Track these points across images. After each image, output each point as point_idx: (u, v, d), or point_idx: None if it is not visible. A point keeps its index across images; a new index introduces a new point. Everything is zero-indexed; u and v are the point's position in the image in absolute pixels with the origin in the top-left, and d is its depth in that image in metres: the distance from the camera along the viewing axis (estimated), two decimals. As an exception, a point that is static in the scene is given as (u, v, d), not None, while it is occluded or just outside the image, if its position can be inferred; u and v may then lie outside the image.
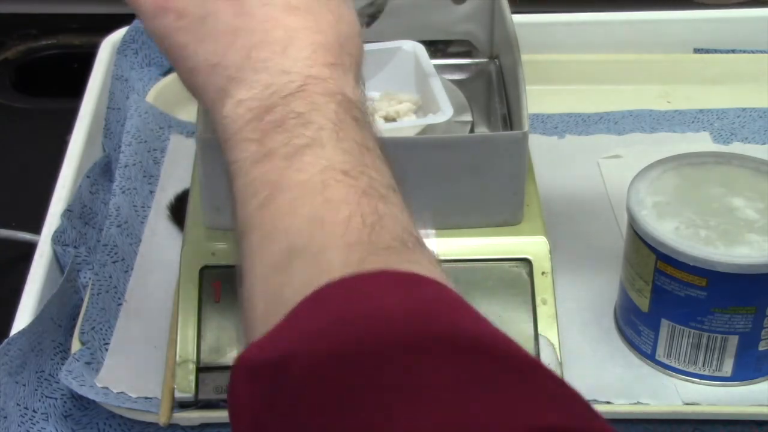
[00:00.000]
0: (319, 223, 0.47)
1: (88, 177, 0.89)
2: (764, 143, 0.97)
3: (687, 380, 0.76)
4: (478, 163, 0.73)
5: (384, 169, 0.50)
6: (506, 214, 0.76)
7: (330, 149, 0.49)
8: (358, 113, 0.52)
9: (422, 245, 0.49)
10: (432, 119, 0.77)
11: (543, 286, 0.75)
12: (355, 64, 0.55)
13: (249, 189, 0.50)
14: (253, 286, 0.49)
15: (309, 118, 0.50)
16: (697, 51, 1.06)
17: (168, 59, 0.57)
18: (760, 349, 0.74)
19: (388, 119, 0.79)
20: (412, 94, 0.81)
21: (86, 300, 0.80)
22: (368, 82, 0.83)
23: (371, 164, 0.49)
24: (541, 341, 0.73)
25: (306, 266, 0.46)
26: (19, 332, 0.75)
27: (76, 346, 0.77)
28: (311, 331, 0.43)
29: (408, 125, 0.78)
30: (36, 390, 0.75)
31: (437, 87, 0.78)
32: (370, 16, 0.79)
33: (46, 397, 0.75)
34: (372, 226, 0.47)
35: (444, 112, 0.76)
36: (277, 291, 0.47)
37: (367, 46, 0.84)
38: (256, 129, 0.51)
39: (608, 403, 0.73)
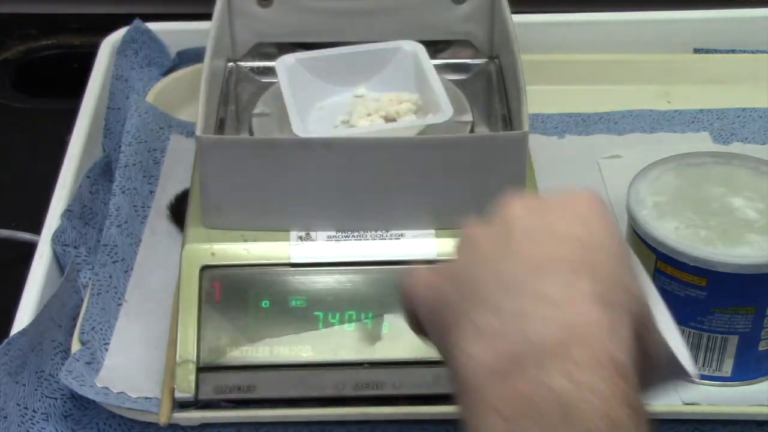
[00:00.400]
0: None
1: (88, 177, 0.89)
2: (764, 143, 0.97)
3: (687, 380, 0.76)
4: (478, 163, 0.73)
5: None
6: (506, 214, 0.76)
7: None
8: (632, 395, 0.42)
9: None
10: (432, 119, 0.77)
11: (543, 286, 0.74)
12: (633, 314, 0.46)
13: None
14: None
15: (568, 410, 0.40)
16: (697, 51, 1.06)
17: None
18: (760, 349, 0.74)
19: (388, 119, 0.79)
20: (412, 94, 0.81)
21: (86, 300, 0.80)
22: (368, 82, 0.84)
23: None
24: (541, 341, 0.73)
25: None
26: (19, 332, 0.75)
27: (76, 346, 0.77)
28: None
29: (408, 125, 0.78)
30: (36, 390, 0.75)
31: (437, 87, 0.78)
32: None
33: (46, 397, 0.75)
34: None
35: (444, 112, 0.76)
36: None
37: (367, 46, 0.85)
38: (500, 398, 0.43)
39: (608, 403, 0.73)
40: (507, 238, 0.49)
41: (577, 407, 0.40)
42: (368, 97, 0.83)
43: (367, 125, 0.79)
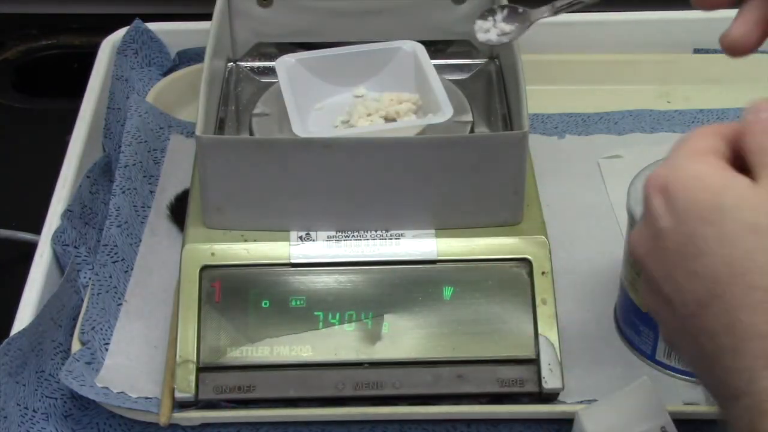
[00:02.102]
0: None
1: (88, 177, 0.89)
2: (764, 143, 0.97)
3: (687, 380, 0.76)
4: (478, 163, 0.73)
5: None
6: (506, 214, 0.76)
7: None
8: None
9: None
10: (432, 119, 0.77)
11: (543, 286, 0.75)
12: None
13: None
14: None
15: None
16: (697, 51, 1.06)
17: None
18: (760, 349, 0.74)
19: (388, 119, 0.79)
20: (412, 94, 0.81)
21: (86, 300, 0.80)
22: (368, 82, 0.84)
23: None
24: (541, 341, 0.73)
25: None
26: (19, 332, 0.75)
27: (76, 346, 0.77)
28: None
29: (408, 125, 0.78)
30: (36, 390, 0.75)
31: (437, 87, 0.78)
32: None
33: (46, 397, 0.75)
34: None
35: (444, 112, 0.76)
36: None
37: (367, 46, 0.85)
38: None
39: (608, 403, 0.73)
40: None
41: None
42: (368, 97, 0.83)
43: (367, 125, 0.79)
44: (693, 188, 0.50)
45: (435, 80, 0.79)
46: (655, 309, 0.53)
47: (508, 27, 0.76)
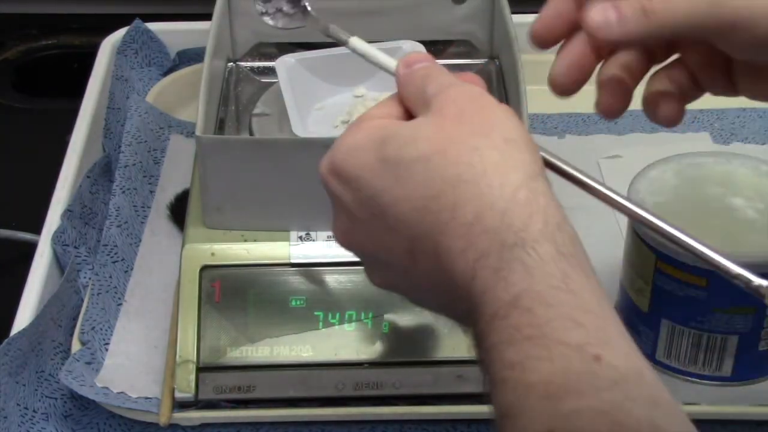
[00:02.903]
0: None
1: (88, 177, 0.89)
2: (764, 143, 0.97)
3: (687, 380, 0.76)
4: (478, 163, 0.73)
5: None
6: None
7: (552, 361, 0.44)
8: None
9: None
10: None
11: (543, 286, 0.74)
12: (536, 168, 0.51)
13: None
14: None
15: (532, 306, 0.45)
16: (697, 51, 1.06)
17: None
18: (760, 349, 0.74)
19: None
20: None
21: (86, 300, 0.80)
22: (368, 82, 0.84)
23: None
24: (541, 341, 0.73)
25: None
26: (19, 332, 0.75)
27: (76, 346, 0.77)
28: None
29: None
30: (36, 390, 0.75)
31: None
32: None
33: (47, 397, 0.75)
34: None
35: None
36: None
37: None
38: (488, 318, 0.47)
39: (608, 403, 0.73)
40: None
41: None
42: (368, 97, 0.83)
43: None
44: (354, 155, 0.51)
45: None
46: (390, 284, 0.54)
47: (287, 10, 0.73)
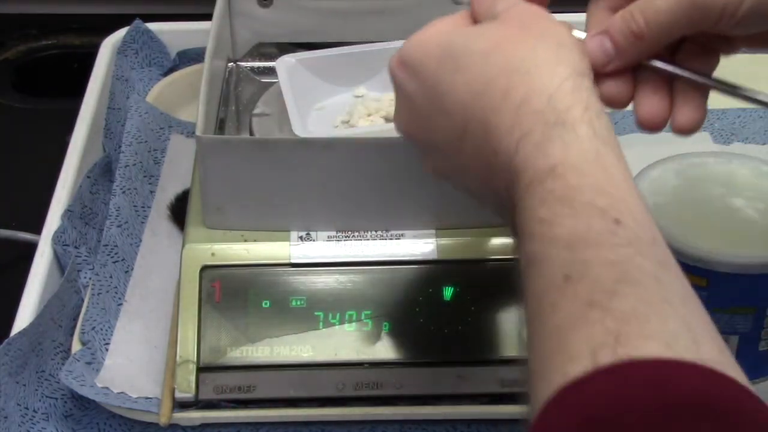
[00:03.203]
0: (623, 278, 0.47)
1: (88, 177, 0.89)
2: (764, 143, 0.97)
3: (687, 380, 0.76)
4: (478, 163, 0.73)
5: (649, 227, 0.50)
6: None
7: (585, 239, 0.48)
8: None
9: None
10: None
11: (543, 286, 0.74)
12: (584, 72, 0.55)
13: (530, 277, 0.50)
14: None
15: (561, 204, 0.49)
16: (697, 51, 1.06)
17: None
18: (760, 349, 0.74)
19: (389, 119, 0.79)
20: None
21: (86, 300, 0.80)
22: (368, 82, 0.84)
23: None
24: (541, 341, 0.73)
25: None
26: (19, 332, 0.75)
27: (76, 346, 0.77)
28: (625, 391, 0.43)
29: None
30: (36, 390, 0.75)
31: None
32: None
33: (47, 397, 0.75)
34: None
35: None
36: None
37: (367, 46, 0.85)
38: (527, 194, 0.51)
39: (608, 403, 0.73)
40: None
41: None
42: (368, 97, 0.83)
43: (367, 125, 0.79)
44: (422, 47, 0.57)
45: None
46: (440, 168, 0.59)
47: None
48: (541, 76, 0.53)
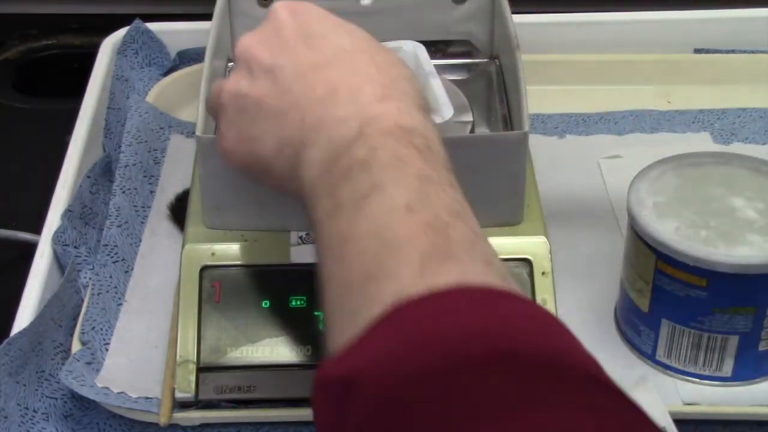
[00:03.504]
0: (389, 253, 0.48)
1: (88, 177, 0.89)
2: (764, 143, 0.97)
3: (687, 380, 0.76)
4: (478, 163, 0.73)
5: (449, 194, 0.52)
6: (506, 214, 0.76)
7: (391, 190, 0.51)
8: (419, 140, 0.54)
9: (495, 263, 0.49)
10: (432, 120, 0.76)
11: (543, 286, 0.75)
12: (410, 97, 0.57)
13: (326, 243, 0.53)
14: (330, 306, 0.52)
15: (370, 162, 0.52)
16: (697, 51, 1.06)
17: (260, 182, 0.63)
18: (760, 349, 0.74)
19: None
20: None
21: (86, 300, 0.80)
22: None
23: (434, 194, 0.51)
24: (541, 341, 0.73)
25: (378, 287, 0.47)
26: (19, 332, 0.75)
27: (76, 346, 0.77)
28: (382, 351, 0.44)
29: None
30: (36, 390, 0.75)
31: (437, 87, 0.78)
32: None
33: (47, 397, 0.75)
34: (441, 253, 0.48)
35: (444, 112, 0.76)
36: (350, 310, 0.48)
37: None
38: (327, 184, 0.54)
39: (608, 403, 0.73)
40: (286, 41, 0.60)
41: (372, 161, 0.52)
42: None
43: None
44: (311, 7, 0.62)
45: (435, 80, 0.79)
46: (250, 94, 0.60)
47: None
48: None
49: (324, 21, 0.62)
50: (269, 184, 0.62)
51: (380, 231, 0.49)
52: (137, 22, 1.04)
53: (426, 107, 0.58)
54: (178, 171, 0.91)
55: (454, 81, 0.86)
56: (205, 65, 0.78)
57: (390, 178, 0.51)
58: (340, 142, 0.54)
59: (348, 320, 0.48)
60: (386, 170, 0.51)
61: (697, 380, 0.75)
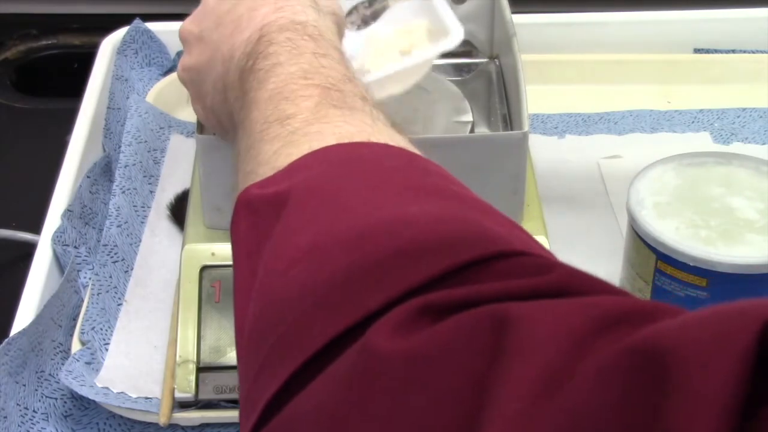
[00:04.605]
0: (288, 104, 0.55)
1: (88, 177, 0.89)
2: (764, 143, 0.97)
3: (687, 380, 0.76)
4: (478, 163, 0.73)
5: (339, 67, 0.58)
6: (506, 214, 0.76)
7: (287, 65, 0.57)
8: (312, 30, 0.60)
9: (381, 118, 0.55)
10: (444, 45, 0.74)
11: (543, 286, 0.74)
12: (304, 1, 0.63)
13: (240, 128, 0.58)
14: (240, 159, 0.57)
15: (269, 51, 0.59)
16: (697, 51, 1.06)
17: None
18: (760, 349, 0.74)
19: (404, 53, 0.77)
20: (420, 20, 0.78)
21: (86, 300, 0.80)
22: (374, 23, 0.82)
23: (327, 65, 0.57)
24: (541, 341, 0.73)
25: (281, 128, 0.53)
26: (19, 332, 0.75)
27: (76, 346, 0.77)
28: (307, 173, 0.50)
29: (420, 60, 0.74)
30: (36, 390, 0.75)
31: (444, 10, 0.75)
32: (364, 20, 0.79)
33: (46, 397, 0.75)
34: (337, 105, 0.54)
35: (453, 34, 0.73)
36: (256, 151, 0.54)
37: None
38: (240, 87, 0.60)
39: (608, 403, 0.73)
40: None
41: (270, 50, 0.59)
42: (378, 35, 0.80)
43: (381, 65, 0.75)
44: None
45: (441, 4, 0.77)
46: (192, 65, 0.65)
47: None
48: None
49: None
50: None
51: (279, 90, 0.56)
52: (137, 22, 1.04)
53: (318, 7, 0.63)
54: (178, 171, 0.91)
55: (454, 81, 0.86)
56: (205, 65, 0.78)
57: (287, 58, 0.58)
58: (248, 52, 0.60)
59: (254, 159, 0.54)
60: (283, 53, 0.58)
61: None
